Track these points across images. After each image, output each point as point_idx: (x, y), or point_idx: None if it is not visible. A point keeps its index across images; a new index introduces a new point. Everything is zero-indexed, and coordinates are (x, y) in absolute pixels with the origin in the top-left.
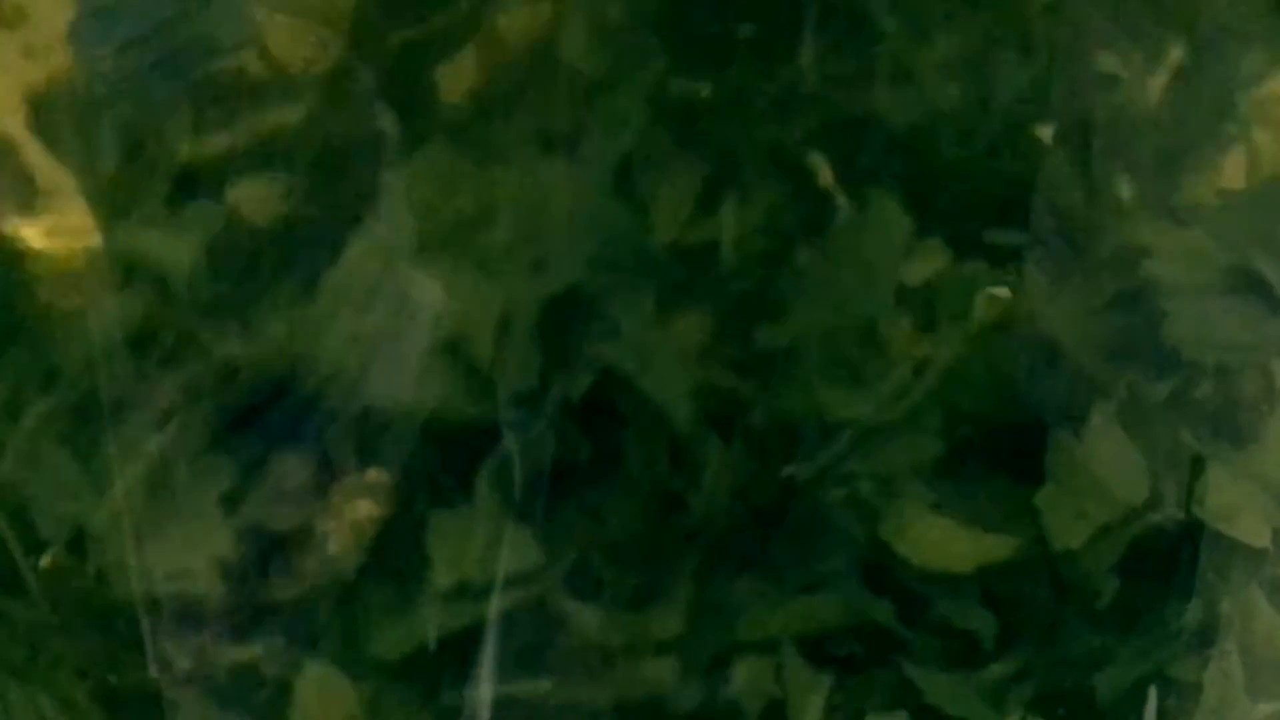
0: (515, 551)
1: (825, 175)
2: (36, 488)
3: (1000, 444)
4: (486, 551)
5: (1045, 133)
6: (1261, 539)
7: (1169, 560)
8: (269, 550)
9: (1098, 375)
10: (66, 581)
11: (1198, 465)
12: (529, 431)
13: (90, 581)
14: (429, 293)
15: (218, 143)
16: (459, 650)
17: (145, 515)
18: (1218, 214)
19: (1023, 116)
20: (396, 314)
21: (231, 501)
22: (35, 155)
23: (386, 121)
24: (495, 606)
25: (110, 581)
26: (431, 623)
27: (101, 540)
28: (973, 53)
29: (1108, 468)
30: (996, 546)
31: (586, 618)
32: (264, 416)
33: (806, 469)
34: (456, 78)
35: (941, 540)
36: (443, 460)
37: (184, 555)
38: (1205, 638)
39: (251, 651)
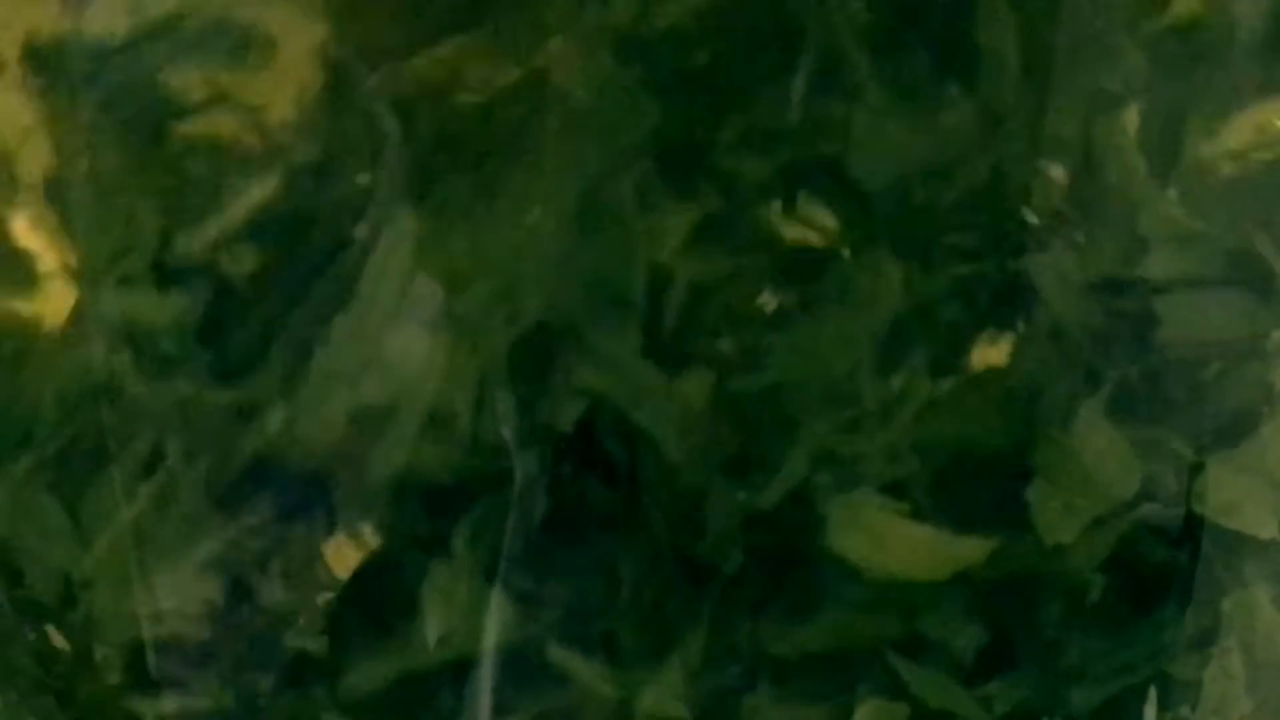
0: (502, 605)
1: (818, 221)
2: (21, 533)
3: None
4: (475, 604)
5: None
6: (1269, 530)
7: (1169, 558)
8: (252, 596)
9: (1092, 367)
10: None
11: (1198, 461)
12: (524, 480)
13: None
14: (412, 359)
15: (201, 228)
16: (454, 701)
17: (131, 562)
18: (1220, 196)
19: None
20: (382, 382)
21: (216, 550)
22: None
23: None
24: (487, 658)
25: (97, 622)
26: (420, 671)
27: (88, 584)
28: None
29: (1098, 460)
30: (972, 550)
31: (584, 670)
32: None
33: (769, 497)
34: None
35: (913, 548)
36: (438, 513)
37: (169, 600)
38: (1206, 637)
39: (231, 695)
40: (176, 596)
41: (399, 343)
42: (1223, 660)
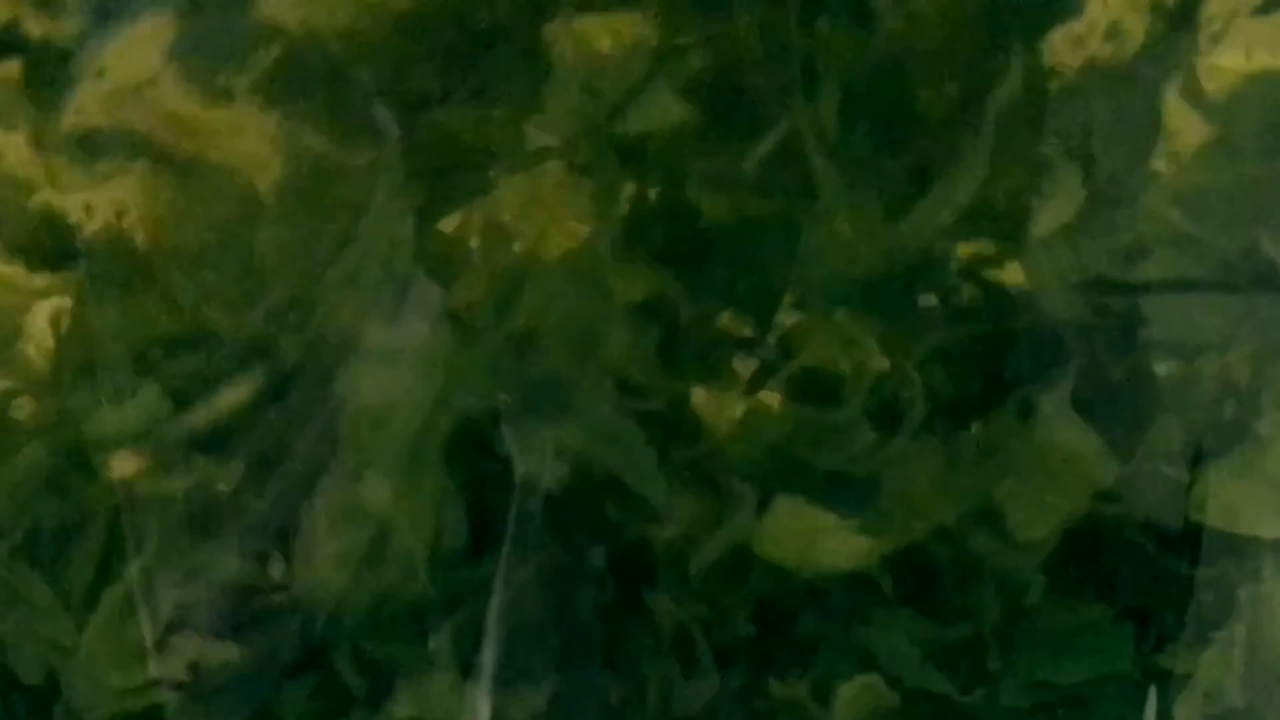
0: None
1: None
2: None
3: None
4: (451, 696)
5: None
6: (1273, 530)
7: (1168, 554)
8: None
9: (1059, 357)
10: None
11: (1197, 465)
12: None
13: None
14: (378, 497)
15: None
16: None
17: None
18: (1224, 196)
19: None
20: (356, 519)
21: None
22: None
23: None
24: None
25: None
26: None
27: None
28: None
29: (1070, 454)
30: (893, 539)
31: None
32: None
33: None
34: None
35: (837, 542)
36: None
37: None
38: (1197, 633)
39: None
40: (160, 665)
41: (373, 485)
42: (1223, 651)
